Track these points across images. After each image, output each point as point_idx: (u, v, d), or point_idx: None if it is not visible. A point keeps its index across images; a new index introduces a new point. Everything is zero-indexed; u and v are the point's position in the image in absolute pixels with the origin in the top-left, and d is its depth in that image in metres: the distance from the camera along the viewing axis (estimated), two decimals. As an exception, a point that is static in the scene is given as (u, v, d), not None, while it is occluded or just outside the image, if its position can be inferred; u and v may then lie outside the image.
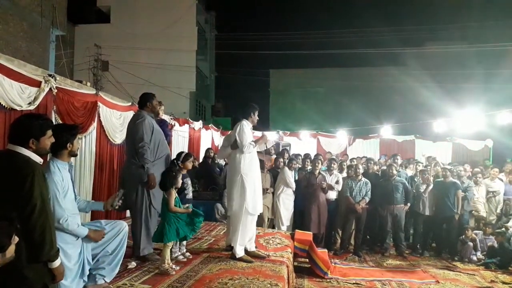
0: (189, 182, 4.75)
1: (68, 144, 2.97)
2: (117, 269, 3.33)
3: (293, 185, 7.44)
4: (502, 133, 13.04)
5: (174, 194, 3.96)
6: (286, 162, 7.96)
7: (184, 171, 4.60)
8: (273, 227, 7.30)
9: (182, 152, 4.83)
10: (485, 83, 21.64)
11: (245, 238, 4.56)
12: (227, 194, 4.82)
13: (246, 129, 4.53)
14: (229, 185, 4.64)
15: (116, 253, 3.26)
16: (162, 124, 5.28)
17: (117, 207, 3.39)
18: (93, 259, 3.16)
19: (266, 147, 5.20)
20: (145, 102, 4.52)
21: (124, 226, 3.33)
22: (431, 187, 7.70)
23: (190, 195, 4.74)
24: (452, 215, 7.42)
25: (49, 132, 2.54)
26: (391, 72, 24.12)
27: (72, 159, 5.34)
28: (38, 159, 2.47)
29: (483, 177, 8.62)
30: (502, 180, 8.72)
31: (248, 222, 4.55)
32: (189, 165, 4.70)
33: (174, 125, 9.08)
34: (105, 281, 3.24)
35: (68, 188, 2.98)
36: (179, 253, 4.48)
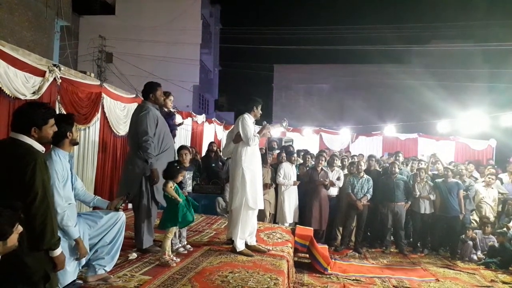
0: (187, 176, 4.73)
1: (68, 133, 2.98)
2: (116, 258, 3.36)
3: (281, 181, 7.37)
4: (506, 134, 13.01)
5: (171, 184, 3.96)
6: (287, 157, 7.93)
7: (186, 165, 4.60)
8: (275, 222, 7.30)
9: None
10: (490, 83, 21.57)
11: (245, 232, 4.57)
12: (229, 187, 4.83)
13: (249, 122, 4.54)
14: (232, 178, 4.66)
15: (114, 242, 3.28)
16: (168, 117, 5.18)
17: (120, 210, 3.41)
18: (91, 250, 3.17)
19: (270, 135, 5.19)
20: (148, 93, 4.37)
21: (121, 216, 3.35)
22: (427, 186, 7.69)
23: (188, 188, 4.73)
24: (457, 215, 7.42)
25: (52, 121, 2.53)
26: (395, 70, 24.03)
27: (76, 150, 5.41)
28: (40, 147, 2.47)
29: (496, 178, 8.34)
30: (501, 179, 8.70)
31: (248, 216, 4.55)
32: (180, 158, 4.70)
33: (183, 123, 8.66)
34: (105, 271, 3.26)
35: (68, 177, 3.00)
36: (180, 245, 4.49)
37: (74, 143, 3.12)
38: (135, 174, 4.24)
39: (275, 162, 7.85)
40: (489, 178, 8.01)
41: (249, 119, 4.58)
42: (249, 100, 4.76)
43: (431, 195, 7.62)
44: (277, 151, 8.73)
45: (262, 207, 4.80)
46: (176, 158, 4.59)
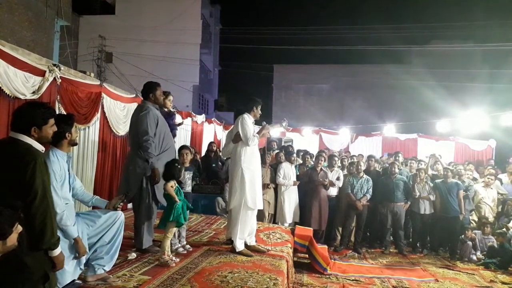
0: (187, 176, 4.73)
1: (67, 134, 2.98)
2: (115, 258, 3.35)
3: (281, 181, 7.37)
4: (506, 134, 13.01)
5: (172, 184, 3.96)
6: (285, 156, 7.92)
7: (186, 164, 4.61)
8: (275, 222, 7.30)
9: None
10: (489, 83, 21.57)
11: (245, 232, 4.57)
12: (229, 187, 4.83)
13: (248, 122, 4.54)
14: (231, 178, 4.67)
15: (113, 242, 3.28)
16: (168, 117, 5.17)
17: (118, 209, 3.41)
18: (90, 249, 3.17)
19: (270, 135, 5.19)
20: (148, 92, 4.36)
21: (120, 215, 3.34)
22: (427, 186, 7.69)
23: (187, 189, 4.73)
24: (457, 215, 7.43)
25: (51, 121, 2.54)
26: (395, 70, 24.02)
27: (75, 150, 5.41)
28: (40, 147, 2.47)
29: (496, 178, 8.31)
30: (501, 180, 8.70)
31: (247, 216, 4.56)
32: (181, 157, 4.70)
33: (182, 123, 8.66)
34: (104, 271, 3.26)
35: (65, 178, 3.00)
36: (179, 245, 4.49)
37: (73, 143, 3.12)
38: (136, 174, 4.24)
39: (274, 162, 7.85)
40: (488, 178, 8.02)
41: (248, 119, 4.58)
42: (248, 100, 4.76)
43: (430, 196, 7.63)
44: (276, 151, 8.73)
45: (261, 207, 4.80)
46: (177, 158, 4.58)
